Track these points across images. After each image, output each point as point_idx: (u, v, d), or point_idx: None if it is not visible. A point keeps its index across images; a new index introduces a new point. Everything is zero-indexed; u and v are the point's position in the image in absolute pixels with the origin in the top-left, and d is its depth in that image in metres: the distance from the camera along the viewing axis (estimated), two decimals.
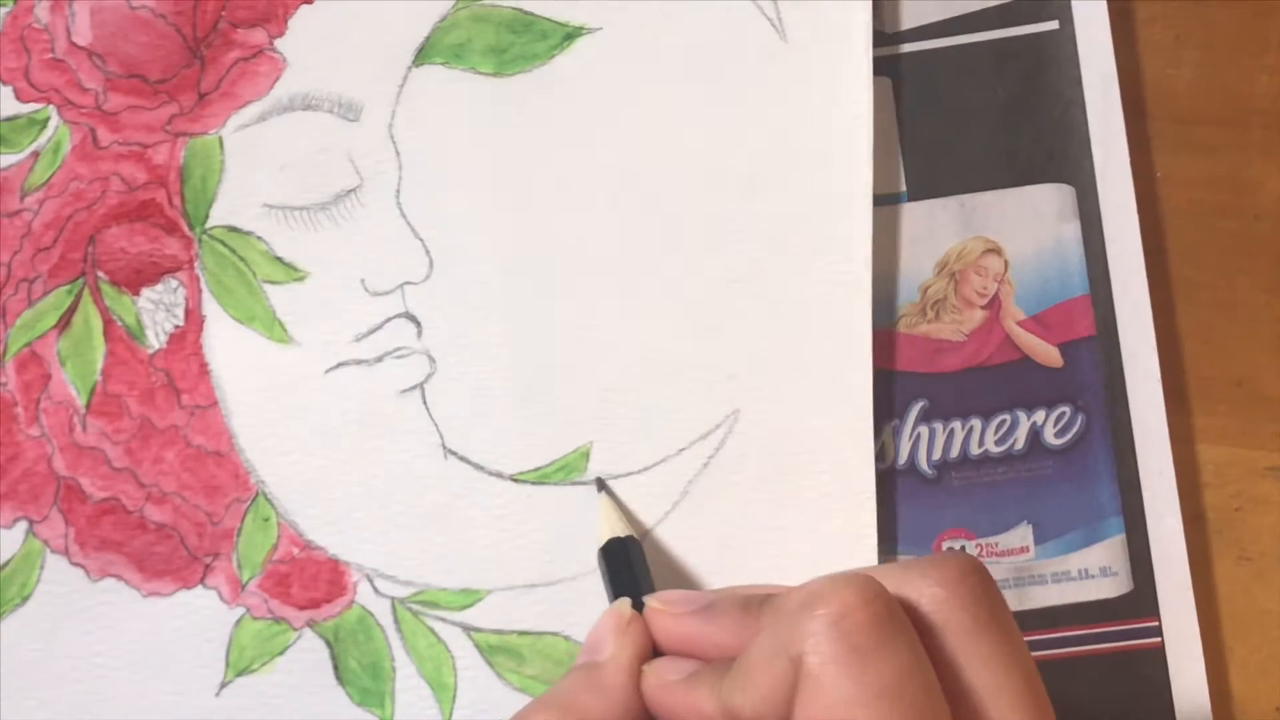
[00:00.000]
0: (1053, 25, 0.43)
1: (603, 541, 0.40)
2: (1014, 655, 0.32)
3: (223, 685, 0.41)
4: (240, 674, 0.41)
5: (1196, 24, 0.44)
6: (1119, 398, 0.43)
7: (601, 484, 0.41)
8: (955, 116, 0.43)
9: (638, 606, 0.37)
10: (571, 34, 0.42)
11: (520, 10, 0.42)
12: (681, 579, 0.41)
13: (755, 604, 0.34)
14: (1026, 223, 0.43)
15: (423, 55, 0.42)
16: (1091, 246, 0.43)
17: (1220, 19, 0.44)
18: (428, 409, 0.42)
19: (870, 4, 0.42)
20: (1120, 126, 0.43)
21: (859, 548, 0.41)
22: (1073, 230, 0.43)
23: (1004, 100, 0.43)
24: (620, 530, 0.40)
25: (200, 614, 0.41)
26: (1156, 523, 0.42)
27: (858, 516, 0.41)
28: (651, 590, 0.38)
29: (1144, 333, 0.43)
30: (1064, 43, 0.43)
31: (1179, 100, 0.44)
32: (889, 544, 0.42)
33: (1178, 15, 0.44)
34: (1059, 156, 0.43)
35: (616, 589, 0.38)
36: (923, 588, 0.32)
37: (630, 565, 0.39)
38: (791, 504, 0.41)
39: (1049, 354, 0.43)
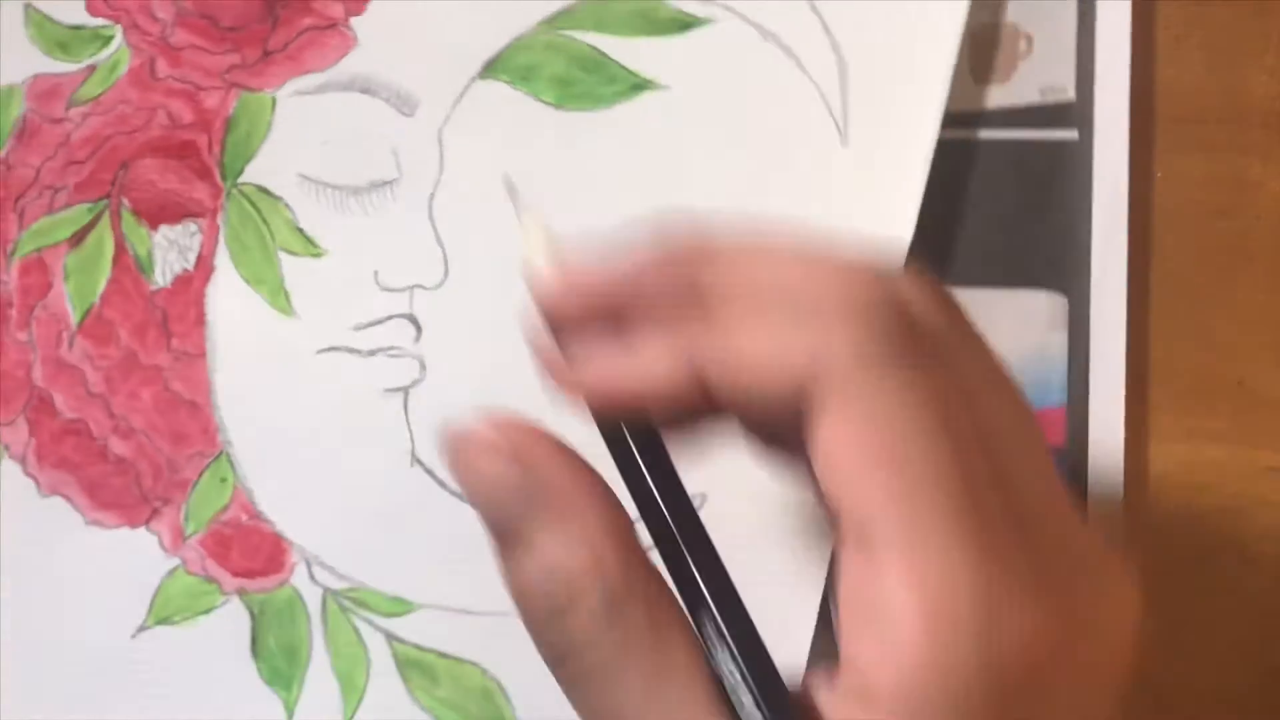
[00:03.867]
0: (1072, 134, 0.43)
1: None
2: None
3: (140, 629, 0.41)
4: (160, 622, 0.41)
5: (1196, 24, 0.44)
6: None
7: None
8: (961, 209, 0.43)
9: None
10: (640, 85, 0.42)
11: (596, 50, 0.42)
12: None
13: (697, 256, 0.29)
14: (1013, 326, 0.43)
15: (490, 69, 0.42)
16: (1075, 359, 0.43)
17: (1220, 19, 0.44)
18: (406, 413, 0.42)
19: (939, 118, 0.42)
20: (1122, 243, 0.42)
21: None
22: (1059, 340, 0.43)
23: (1013, 201, 0.43)
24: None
25: (137, 555, 0.41)
26: None
27: None
28: None
29: (1113, 451, 0.42)
30: (1080, 153, 0.43)
31: (1179, 100, 0.44)
32: None
33: (1178, 15, 0.44)
34: (1057, 265, 0.43)
35: None
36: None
37: None
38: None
39: None
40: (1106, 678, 0.28)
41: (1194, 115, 0.44)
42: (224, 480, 0.42)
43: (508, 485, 0.28)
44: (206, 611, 0.41)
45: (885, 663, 0.25)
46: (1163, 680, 0.43)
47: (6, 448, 0.42)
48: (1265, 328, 0.43)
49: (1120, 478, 0.42)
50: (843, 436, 0.26)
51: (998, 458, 0.27)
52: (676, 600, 0.28)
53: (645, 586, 0.28)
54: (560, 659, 0.29)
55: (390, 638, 0.41)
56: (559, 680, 0.30)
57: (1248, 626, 0.42)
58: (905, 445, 0.26)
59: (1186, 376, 0.43)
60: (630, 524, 0.28)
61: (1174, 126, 0.44)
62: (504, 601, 0.41)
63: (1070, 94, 0.44)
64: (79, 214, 0.42)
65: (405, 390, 0.42)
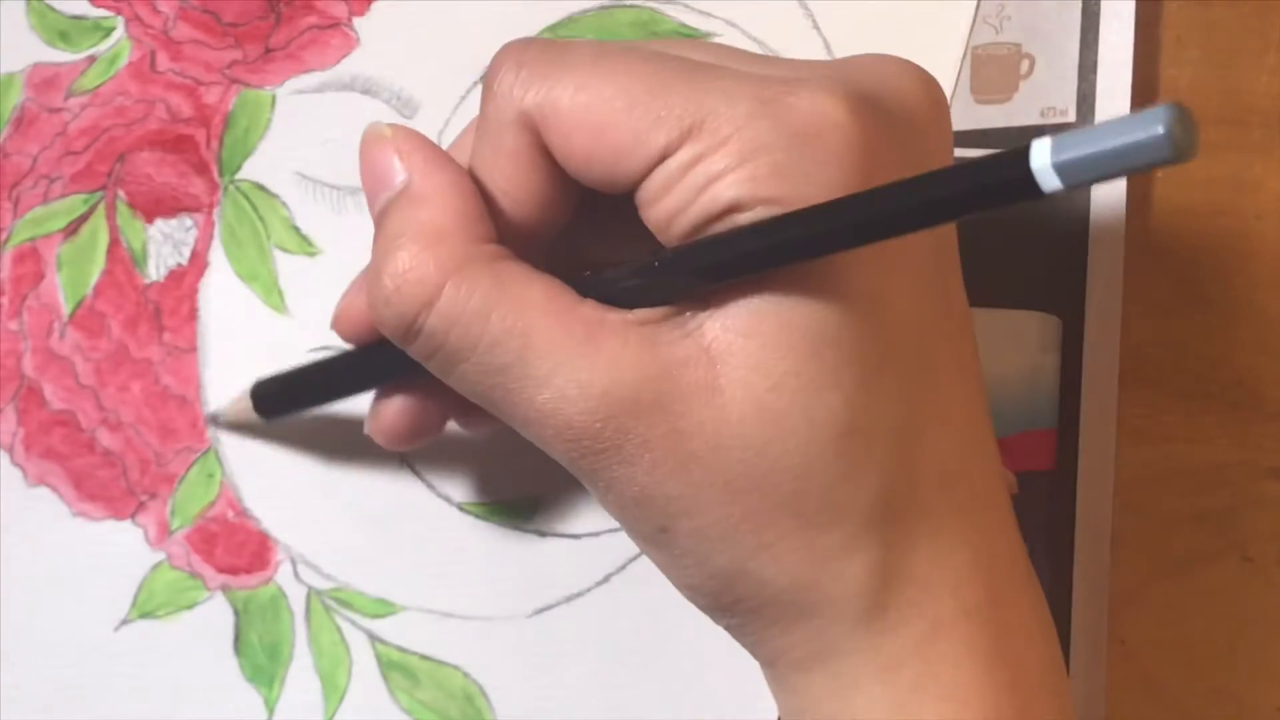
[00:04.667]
0: None
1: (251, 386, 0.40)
2: None
3: (123, 622, 0.41)
4: (143, 616, 0.41)
5: (1196, 24, 0.44)
6: (1061, 542, 0.42)
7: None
8: (960, 227, 0.43)
9: None
10: None
11: None
12: (599, 651, 0.41)
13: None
14: (1005, 346, 0.43)
15: None
16: (1067, 382, 0.42)
17: (1220, 19, 0.44)
18: None
19: None
20: (1118, 264, 0.42)
21: None
22: (1050, 363, 0.43)
23: (1011, 220, 0.43)
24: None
25: (121, 548, 0.41)
26: None
27: None
28: None
29: (1104, 474, 0.42)
30: None
31: (1179, 100, 0.44)
32: None
33: (1178, 15, 0.44)
34: (1053, 286, 0.43)
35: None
36: None
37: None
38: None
39: (1007, 479, 0.42)
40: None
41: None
42: (211, 476, 0.42)
43: (383, 169, 0.34)
44: (190, 607, 0.41)
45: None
46: (1163, 680, 0.43)
47: None
48: (1265, 328, 0.43)
49: (1109, 505, 0.42)
50: None
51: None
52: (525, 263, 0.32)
53: (490, 253, 0.32)
54: (433, 351, 0.32)
55: (373, 639, 0.41)
56: (453, 378, 0.32)
57: (1248, 626, 0.42)
58: None
59: (1185, 377, 0.43)
60: (480, 211, 0.32)
61: None
62: (487, 607, 0.42)
63: (1071, 116, 0.44)
64: (74, 204, 0.42)
65: None
